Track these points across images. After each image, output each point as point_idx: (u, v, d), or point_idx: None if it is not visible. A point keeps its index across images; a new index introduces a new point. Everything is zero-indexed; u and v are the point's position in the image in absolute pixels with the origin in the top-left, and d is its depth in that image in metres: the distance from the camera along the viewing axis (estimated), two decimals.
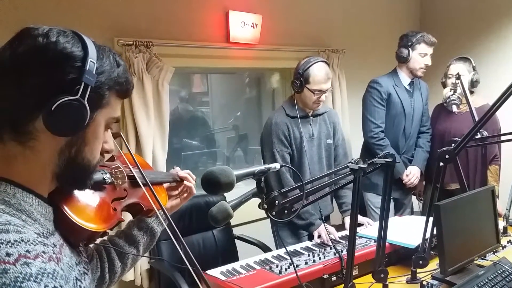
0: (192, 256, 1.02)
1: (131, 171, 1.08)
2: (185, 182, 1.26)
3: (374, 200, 2.93)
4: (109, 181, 0.99)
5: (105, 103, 0.80)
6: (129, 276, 2.63)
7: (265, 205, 1.21)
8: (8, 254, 0.63)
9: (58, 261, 0.71)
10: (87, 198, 0.91)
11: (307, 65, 2.35)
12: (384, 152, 1.58)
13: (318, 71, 2.33)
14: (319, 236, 2.21)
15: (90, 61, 0.76)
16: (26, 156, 0.75)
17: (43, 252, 0.68)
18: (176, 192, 1.27)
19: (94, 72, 0.76)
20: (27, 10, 2.31)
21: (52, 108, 0.72)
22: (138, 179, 1.08)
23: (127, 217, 1.12)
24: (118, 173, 1.03)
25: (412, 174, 2.92)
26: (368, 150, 2.90)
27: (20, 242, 0.66)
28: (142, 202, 1.09)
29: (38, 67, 0.73)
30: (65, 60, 0.74)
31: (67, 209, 0.83)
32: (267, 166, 1.20)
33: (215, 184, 1.08)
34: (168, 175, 1.27)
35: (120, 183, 1.03)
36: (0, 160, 0.75)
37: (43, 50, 0.74)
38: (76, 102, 0.73)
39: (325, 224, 2.22)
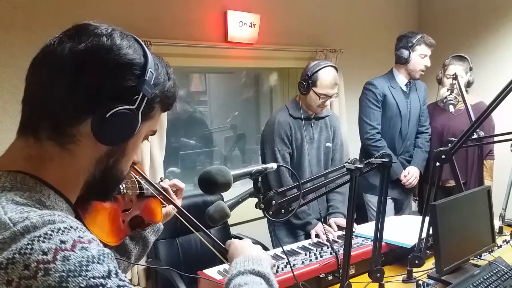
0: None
1: (139, 182, 1.04)
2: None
3: (374, 200, 2.92)
4: (124, 191, 0.95)
5: (152, 116, 0.76)
6: (126, 275, 2.63)
7: (262, 204, 1.21)
8: (62, 242, 0.59)
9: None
10: (103, 208, 0.88)
11: (316, 68, 2.35)
12: (380, 152, 1.58)
13: (327, 76, 2.34)
14: (317, 235, 2.22)
15: (150, 71, 0.71)
16: (64, 158, 0.70)
17: (93, 238, 0.64)
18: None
19: (151, 83, 0.72)
20: (25, 9, 2.31)
21: (107, 115, 0.67)
22: (150, 190, 1.04)
23: None
24: (129, 183, 0.98)
25: (410, 175, 2.92)
26: (366, 153, 2.89)
27: (70, 229, 0.61)
28: (144, 215, 1.06)
29: (98, 68, 0.68)
30: (127, 66, 0.70)
31: (83, 220, 0.80)
32: (264, 166, 1.20)
33: (212, 184, 1.08)
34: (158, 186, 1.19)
35: (130, 193, 0.98)
36: (33, 159, 0.69)
37: (106, 51, 0.69)
38: (131, 112, 0.69)
39: (323, 224, 2.23)
